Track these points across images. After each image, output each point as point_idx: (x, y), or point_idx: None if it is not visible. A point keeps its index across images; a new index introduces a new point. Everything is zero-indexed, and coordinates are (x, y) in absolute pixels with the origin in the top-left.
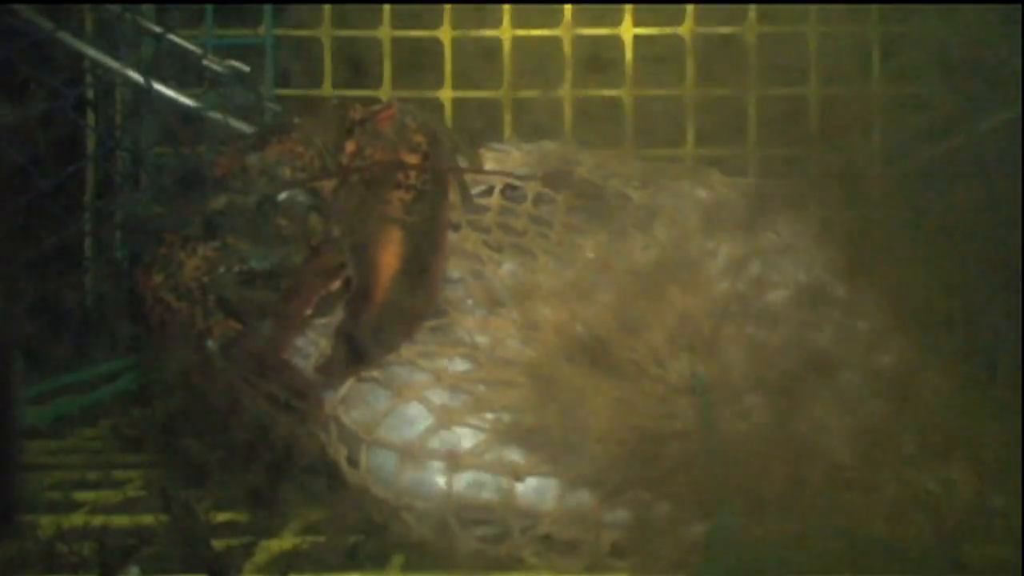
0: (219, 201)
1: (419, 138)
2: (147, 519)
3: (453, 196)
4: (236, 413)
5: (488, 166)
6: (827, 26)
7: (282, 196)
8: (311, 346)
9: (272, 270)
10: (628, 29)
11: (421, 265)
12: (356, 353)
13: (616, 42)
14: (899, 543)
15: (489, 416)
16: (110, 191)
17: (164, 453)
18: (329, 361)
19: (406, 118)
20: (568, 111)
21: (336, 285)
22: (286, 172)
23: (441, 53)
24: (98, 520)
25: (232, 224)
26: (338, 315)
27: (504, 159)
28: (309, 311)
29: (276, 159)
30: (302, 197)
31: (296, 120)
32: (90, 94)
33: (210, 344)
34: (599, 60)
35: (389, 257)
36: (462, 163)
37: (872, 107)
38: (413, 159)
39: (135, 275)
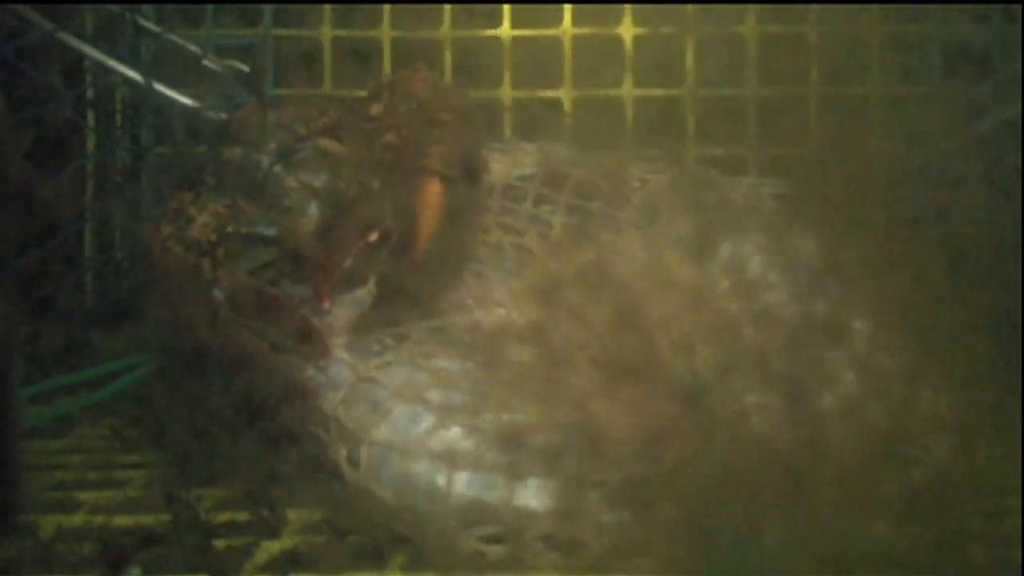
0: (235, 151)
1: (452, 99)
2: (148, 519)
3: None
4: (238, 361)
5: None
6: (827, 26)
7: (297, 155)
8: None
9: (278, 237)
10: (628, 29)
11: (460, 215)
12: (401, 301)
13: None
14: (899, 543)
15: (489, 416)
16: (110, 191)
17: (164, 439)
18: (372, 308)
19: (436, 81)
20: (568, 111)
21: (374, 237)
22: (301, 130)
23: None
24: (98, 520)
25: (243, 183)
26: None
27: (504, 159)
28: (349, 262)
29: (293, 117)
30: (315, 159)
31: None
32: (90, 94)
33: (217, 293)
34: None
35: (430, 207)
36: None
37: (872, 107)
38: (448, 117)
39: (144, 228)
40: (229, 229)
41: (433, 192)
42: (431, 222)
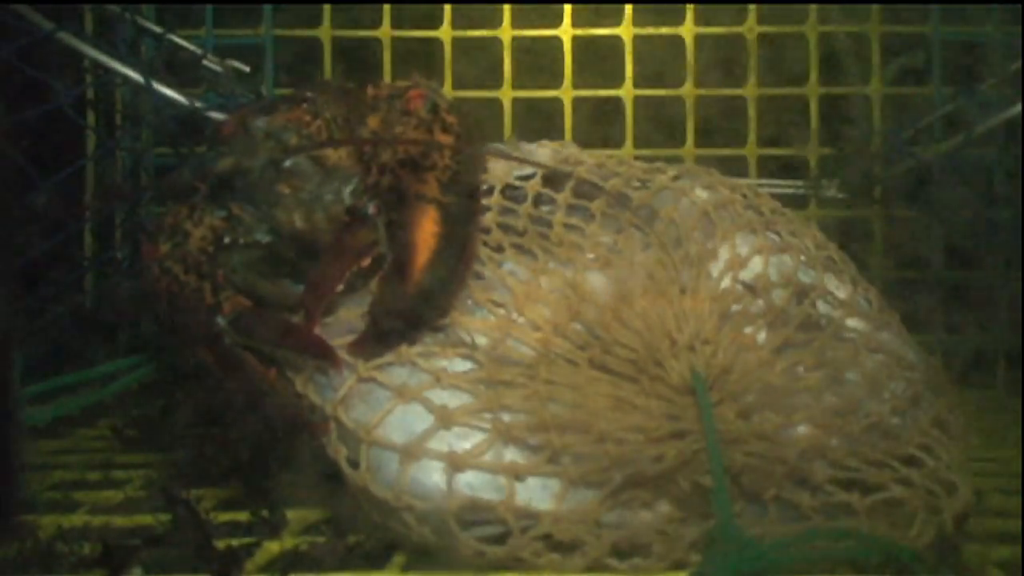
0: (226, 163)
1: (451, 118)
2: (147, 519)
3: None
4: (243, 389)
5: (488, 166)
6: (827, 26)
7: (287, 163)
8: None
9: (276, 243)
10: (628, 29)
11: (457, 243)
12: (391, 329)
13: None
14: (899, 543)
15: (489, 416)
16: (110, 191)
17: (170, 443)
18: (364, 338)
19: (435, 98)
20: (568, 111)
21: (367, 262)
22: (292, 139)
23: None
24: (98, 520)
25: (238, 191)
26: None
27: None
28: (341, 287)
29: (283, 125)
30: (307, 165)
31: (308, 94)
32: (90, 94)
33: (220, 320)
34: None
35: (426, 236)
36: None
37: (872, 107)
38: (447, 139)
39: (142, 245)
40: (227, 240)
41: (430, 220)
42: (426, 251)
